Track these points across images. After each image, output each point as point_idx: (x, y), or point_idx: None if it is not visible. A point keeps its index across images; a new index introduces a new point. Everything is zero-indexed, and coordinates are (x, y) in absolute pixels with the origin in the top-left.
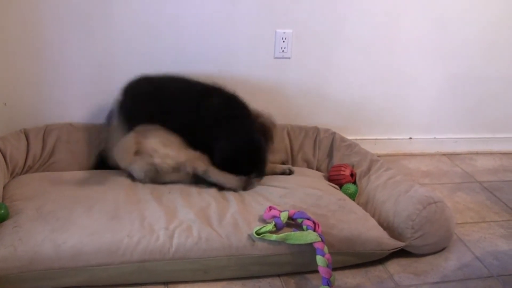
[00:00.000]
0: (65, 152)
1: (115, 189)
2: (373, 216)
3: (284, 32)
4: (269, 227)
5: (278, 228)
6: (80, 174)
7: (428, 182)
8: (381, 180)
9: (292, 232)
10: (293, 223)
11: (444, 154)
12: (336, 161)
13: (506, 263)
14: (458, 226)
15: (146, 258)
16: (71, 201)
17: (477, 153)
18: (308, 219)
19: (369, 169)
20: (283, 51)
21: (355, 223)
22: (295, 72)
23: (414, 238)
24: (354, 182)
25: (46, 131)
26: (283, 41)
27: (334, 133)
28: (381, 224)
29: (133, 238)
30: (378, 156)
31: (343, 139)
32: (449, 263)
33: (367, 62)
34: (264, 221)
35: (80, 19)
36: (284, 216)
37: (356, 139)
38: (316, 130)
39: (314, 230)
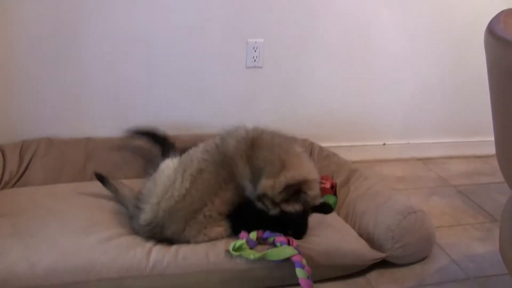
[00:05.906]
0: (42, 167)
1: (91, 204)
2: (353, 227)
3: (256, 42)
4: (242, 241)
5: (250, 246)
6: (56, 188)
7: (402, 187)
8: (361, 191)
9: (269, 250)
10: (265, 243)
11: (418, 159)
12: None
13: (482, 265)
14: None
15: (123, 275)
16: (47, 217)
17: (451, 157)
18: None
19: (348, 179)
20: (254, 60)
21: (334, 236)
22: (268, 81)
23: (395, 249)
24: (335, 194)
25: (23, 147)
26: (255, 51)
27: (312, 143)
28: (361, 235)
29: (109, 255)
30: (353, 162)
31: (321, 149)
32: (425, 267)
33: (339, 69)
34: None
35: (50, 36)
36: (253, 235)
37: (330, 146)
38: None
39: (289, 245)
